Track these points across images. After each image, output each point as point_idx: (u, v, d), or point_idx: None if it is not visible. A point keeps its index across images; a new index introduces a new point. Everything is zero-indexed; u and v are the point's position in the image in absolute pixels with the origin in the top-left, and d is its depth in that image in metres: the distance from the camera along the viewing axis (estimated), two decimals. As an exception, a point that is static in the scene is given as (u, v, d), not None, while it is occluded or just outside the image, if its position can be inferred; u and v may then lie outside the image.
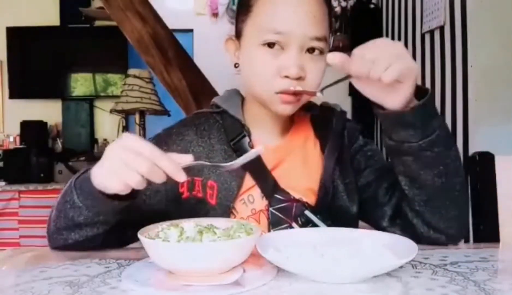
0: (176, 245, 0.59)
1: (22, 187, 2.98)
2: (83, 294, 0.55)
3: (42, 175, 3.10)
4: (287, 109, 0.80)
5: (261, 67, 0.78)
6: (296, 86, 0.77)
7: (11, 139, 3.87)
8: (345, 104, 3.57)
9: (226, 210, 0.81)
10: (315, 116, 0.93)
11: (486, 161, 0.98)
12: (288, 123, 0.90)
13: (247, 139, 0.85)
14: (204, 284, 0.56)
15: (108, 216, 0.70)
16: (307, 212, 0.80)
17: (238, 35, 0.85)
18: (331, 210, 0.83)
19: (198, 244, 0.59)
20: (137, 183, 0.60)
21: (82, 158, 3.31)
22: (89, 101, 3.98)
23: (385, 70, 0.62)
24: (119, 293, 0.55)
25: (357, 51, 0.66)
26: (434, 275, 0.60)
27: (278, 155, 0.86)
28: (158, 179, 0.60)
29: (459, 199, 0.76)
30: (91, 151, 3.83)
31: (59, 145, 3.86)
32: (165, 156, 0.60)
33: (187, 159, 0.62)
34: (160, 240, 0.61)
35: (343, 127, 0.90)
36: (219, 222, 0.68)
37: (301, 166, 0.87)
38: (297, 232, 0.74)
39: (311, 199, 0.84)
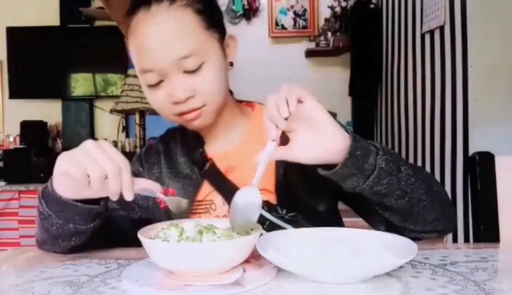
0: (176, 245, 0.59)
1: (22, 187, 2.98)
2: (83, 294, 0.55)
3: (42, 175, 3.09)
4: (196, 124, 0.83)
5: (155, 103, 0.82)
6: (190, 105, 0.79)
7: (11, 139, 3.87)
8: (345, 104, 3.58)
9: (182, 215, 0.82)
10: None
11: (486, 161, 0.98)
12: (244, 121, 0.91)
13: (200, 150, 0.89)
14: (204, 284, 0.56)
15: (76, 223, 0.71)
16: (262, 212, 0.80)
17: None
18: (297, 209, 0.83)
19: (198, 244, 0.59)
20: (95, 178, 0.61)
21: (82, 158, 3.30)
22: (89, 101, 3.98)
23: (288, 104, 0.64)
24: (119, 293, 0.55)
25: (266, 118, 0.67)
26: (434, 275, 0.60)
27: (235, 156, 0.88)
28: (115, 187, 0.62)
29: (432, 204, 0.75)
30: (91, 151, 3.83)
31: (59, 145, 3.86)
32: (129, 171, 0.63)
33: (154, 186, 0.68)
34: (160, 240, 0.61)
35: None
36: (219, 222, 0.68)
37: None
38: (297, 232, 0.74)
39: (271, 198, 0.84)
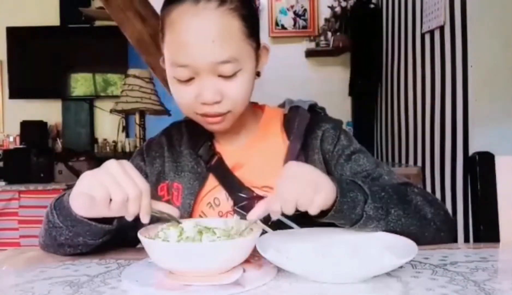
0: (176, 245, 0.59)
1: (22, 187, 2.98)
2: (83, 294, 0.55)
3: (42, 175, 3.09)
4: (215, 128, 0.83)
5: (180, 97, 0.81)
6: (216, 109, 0.78)
7: (11, 139, 3.87)
8: (345, 104, 3.58)
9: (187, 209, 0.84)
10: (286, 114, 0.93)
11: (486, 161, 0.98)
12: (255, 122, 0.92)
13: (208, 143, 0.89)
14: (204, 284, 0.56)
15: (86, 238, 0.71)
16: None
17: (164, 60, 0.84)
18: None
19: (198, 244, 0.59)
20: (118, 201, 0.61)
21: (82, 158, 3.31)
22: (89, 101, 3.98)
23: (309, 206, 0.64)
24: (119, 293, 0.55)
25: (278, 191, 0.64)
26: (434, 275, 0.60)
27: (242, 154, 0.88)
28: (134, 210, 0.62)
29: (424, 233, 0.75)
30: (91, 151, 3.83)
31: (59, 145, 3.86)
32: (149, 195, 0.63)
33: (172, 211, 0.68)
34: (160, 240, 0.61)
35: (311, 124, 0.89)
36: (219, 223, 0.68)
37: (267, 164, 0.87)
38: (297, 232, 0.74)
39: None
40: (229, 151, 0.89)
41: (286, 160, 0.86)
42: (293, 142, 0.87)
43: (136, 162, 0.92)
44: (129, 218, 0.64)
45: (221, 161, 0.87)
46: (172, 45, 0.77)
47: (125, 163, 0.64)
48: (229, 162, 0.87)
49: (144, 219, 0.64)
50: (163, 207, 0.68)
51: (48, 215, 0.73)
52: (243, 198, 0.83)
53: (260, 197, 0.83)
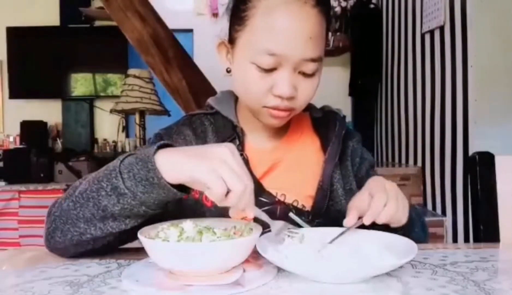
0: (176, 245, 0.59)
1: (22, 187, 2.98)
2: (83, 294, 0.55)
3: (42, 175, 3.09)
4: (275, 122, 0.81)
5: (253, 84, 0.77)
6: (286, 104, 0.77)
7: (11, 139, 3.88)
8: (345, 104, 3.58)
9: (221, 212, 0.81)
10: (317, 118, 0.93)
11: (486, 161, 0.98)
12: (285, 124, 0.90)
13: (236, 141, 0.85)
14: (204, 284, 0.56)
15: (149, 208, 0.65)
16: (291, 214, 0.80)
17: (231, 41, 0.81)
18: (329, 214, 0.83)
19: (198, 244, 0.59)
20: (219, 192, 0.58)
21: (82, 158, 3.31)
22: (89, 101, 3.98)
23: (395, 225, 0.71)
24: (119, 293, 0.55)
25: (375, 205, 0.68)
26: (434, 275, 0.60)
27: (273, 157, 0.86)
28: (240, 205, 0.60)
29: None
30: (91, 151, 3.83)
31: (59, 145, 3.86)
32: (252, 191, 0.61)
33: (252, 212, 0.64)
34: (160, 240, 0.61)
35: (346, 132, 0.90)
36: (219, 223, 0.68)
37: (297, 169, 0.86)
38: (297, 232, 0.74)
39: (307, 203, 0.84)
40: (261, 151, 0.87)
41: (324, 167, 0.85)
42: (332, 148, 0.86)
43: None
44: (239, 209, 0.61)
45: (245, 162, 0.83)
46: (265, 31, 0.74)
47: (234, 151, 0.61)
48: (261, 163, 0.85)
49: (251, 214, 0.63)
50: (257, 211, 0.66)
51: (101, 181, 0.64)
52: (264, 203, 0.81)
53: (281, 202, 0.82)
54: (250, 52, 0.76)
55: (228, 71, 0.84)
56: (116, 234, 0.68)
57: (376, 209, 0.67)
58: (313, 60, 0.75)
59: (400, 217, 0.70)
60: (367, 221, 0.68)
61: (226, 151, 0.60)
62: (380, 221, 0.68)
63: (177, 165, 0.61)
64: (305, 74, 0.77)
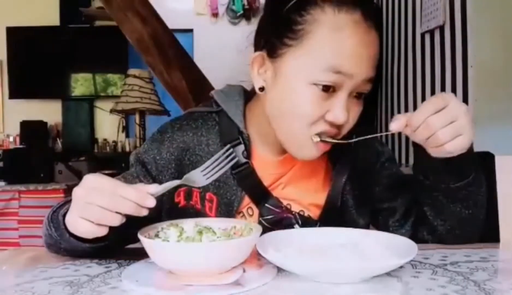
0: (176, 245, 0.59)
1: (22, 187, 2.98)
2: (83, 294, 0.55)
3: (42, 175, 3.09)
4: (315, 156, 0.75)
5: (307, 109, 0.70)
6: (336, 130, 0.72)
7: (11, 139, 3.88)
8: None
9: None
10: None
11: (486, 161, 0.97)
12: None
13: (242, 147, 0.80)
14: (204, 284, 0.56)
15: (84, 254, 0.69)
16: (296, 227, 0.79)
17: (274, 54, 0.73)
18: (337, 224, 0.79)
19: (198, 244, 0.59)
20: (100, 219, 0.58)
21: (82, 158, 3.31)
22: (89, 101, 3.99)
23: (450, 140, 0.66)
24: (119, 293, 0.55)
25: (423, 116, 0.64)
26: (434, 275, 0.60)
27: (279, 171, 0.83)
28: (127, 209, 0.58)
29: (480, 225, 0.81)
30: (91, 151, 3.83)
31: (59, 145, 3.87)
32: (128, 186, 0.59)
33: (155, 189, 0.60)
34: (160, 240, 0.61)
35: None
36: (219, 222, 0.68)
37: (306, 179, 0.84)
38: (297, 232, 0.74)
39: (314, 213, 0.83)
40: (268, 163, 0.82)
41: (334, 178, 0.83)
42: (340, 165, 0.84)
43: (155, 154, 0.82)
44: (131, 211, 0.59)
45: (251, 171, 0.80)
46: (333, 48, 0.69)
47: (84, 181, 0.60)
48: (270, 173, 0.82)
49: (149, 203, 0.58)
50: (148, 188, 0.61)
51: (45, 225, 0.70)
52: (270, 211, 0.80)
53: (288, 210, 0.81)
54: (309, 70, 0.70)
55: (261, 90, 0.76)
56: (112, 241, 0.68)
57: (426, 110, 0.64)
58: (370, 80, 0.72)
59: (461, 134, 0.66)
60: (413, 121, 0.64)
61: (74, 190, 0.59)
62: (433, 126, 0.64)
63: (71, 227, 0.63)
64: (357, 97, 0.73)
